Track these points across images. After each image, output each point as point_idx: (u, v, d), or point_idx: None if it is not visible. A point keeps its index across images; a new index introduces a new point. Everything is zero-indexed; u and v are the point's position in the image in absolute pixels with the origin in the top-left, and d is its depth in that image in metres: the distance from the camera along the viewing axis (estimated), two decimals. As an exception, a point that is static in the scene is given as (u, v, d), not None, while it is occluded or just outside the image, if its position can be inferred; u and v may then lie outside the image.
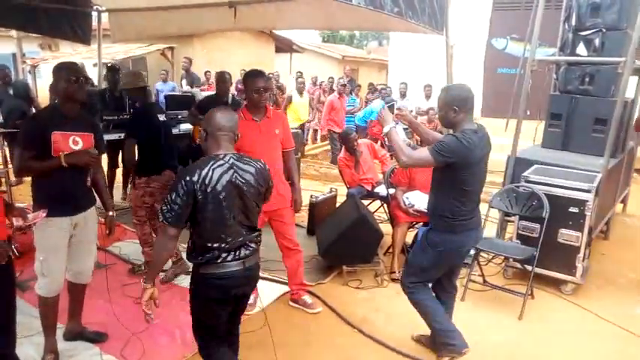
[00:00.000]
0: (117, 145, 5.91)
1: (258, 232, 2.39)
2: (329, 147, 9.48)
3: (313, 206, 5.14)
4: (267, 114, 3.40)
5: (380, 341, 3.24)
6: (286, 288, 3.90)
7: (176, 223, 2.15)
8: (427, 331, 3.13)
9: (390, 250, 4.47)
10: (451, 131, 2.73)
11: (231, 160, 2.21)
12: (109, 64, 6.01)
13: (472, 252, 4.55)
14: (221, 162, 2.18)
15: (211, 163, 2.16)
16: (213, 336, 2.42)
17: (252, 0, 4.98)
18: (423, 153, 2.64)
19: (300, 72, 12.41)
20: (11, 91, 6.90)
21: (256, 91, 3.26)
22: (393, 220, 4.44)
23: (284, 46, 17.70)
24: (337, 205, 5.44)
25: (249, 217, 2.28)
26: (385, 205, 4.97)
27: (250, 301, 3.60)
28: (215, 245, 2.19)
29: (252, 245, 2.33)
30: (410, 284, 2.98)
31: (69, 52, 13.25)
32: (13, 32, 12.17)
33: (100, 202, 3.05)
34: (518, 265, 4.14)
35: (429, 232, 2.88)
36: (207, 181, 2.11)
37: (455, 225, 2.74)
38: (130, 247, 4.67)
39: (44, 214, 2.53)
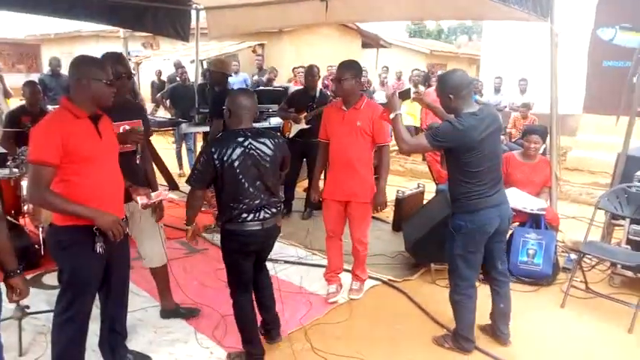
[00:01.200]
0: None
1: (278, 198, 2.78)
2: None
3: (399, 202, 5.04)
4: (357, 105, 3.38)
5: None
6: (373, 282, 3.87)
7: (198, 186, 2.63)
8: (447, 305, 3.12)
9: (482, 250, 4.26)
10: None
11: (249, 134, 2.59)
12: (208, 61, 6.31)
13: (573, 256, 4.25)
14: (240, 136, 2.57)
15: (231, 137, 2.58)
16: (239, 284, 2.83)
17: (344, -7, 4.98)
18: (420, 139, 2.79)
19: (385, 67, 12.26)
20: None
21: (336, 81, 3.39)
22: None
23: (371, 42, 17.54)
24: (424, 201, 5.31)
25: (266, 184, 2.66)
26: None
27: (332, 289, 3.64)
28: (235, 206, 2.59)
29: (272, 209, 2.71)
30: (456, 283, 2.93)
31: (168, 49, 14.11)
32: (121, 33, 13.19)
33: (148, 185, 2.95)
34: (628, 273, 3.77)
35: (452, 218, 2.89)
36: (224, 152, 2.51)
37: (470, 205, 2.77)
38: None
39: (167, 193, 2.69)
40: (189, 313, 3.32)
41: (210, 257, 4.32)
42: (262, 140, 2.61)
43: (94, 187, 2.22)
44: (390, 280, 3.92)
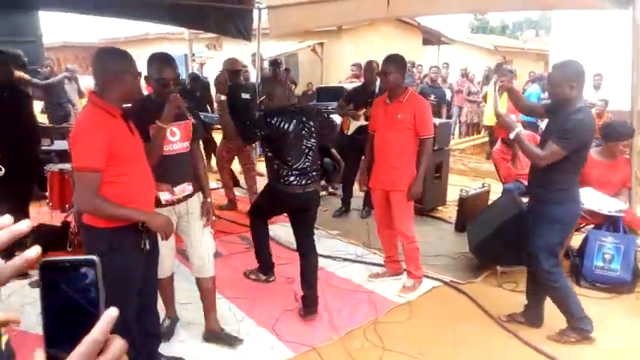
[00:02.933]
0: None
1: (320, 168, 3.28)
2: (482, 141, 8.95)
3: (463, 201, 4.87)
4: (400, 98, 3.45)
5: (539, 349, 2.92)
6: (434, 283, 3.75)
7: (247, 140, 3.80)
8: (514, 310, 3.23)
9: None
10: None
11: (297, 110, 3.17)
12: (271, 59, 6.42)
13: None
14: (289, 111, 3.09)
15: (282, 111, 3.08)
16: (261, 216, 3.61)
17: (407, -14, 4.88)
18: (552, 147, 2.68)
19: (446, 63, 11.96)
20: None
21: (382, 74, 3.57)
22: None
23: (432, 38, 17.18)
24: (489, 201, 5.10)
25: (309, 154, 3.12)
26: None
27: (408, 284, 3.61)
28: (282, 168, 3.07)
29: (314, 175, 3.16)
30: (552, 269, 2.89)
31: (231, 50, 14.47)
32: (185, 35, 13.70)
33: (200, 189, 2.83)
34: None
35: (549, 208, 2.83)
36: (277, 123, 2.99)
37: (575, 194, 2.85)
38: (281, 230, 4.90)
39: (191, 188, 2.68)
40: (232, 341, 2.93)
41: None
42: (307, 116, 3.14)
43: (135, 187, 2.17)
44: (452, 281, 3.79)
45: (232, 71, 5.20)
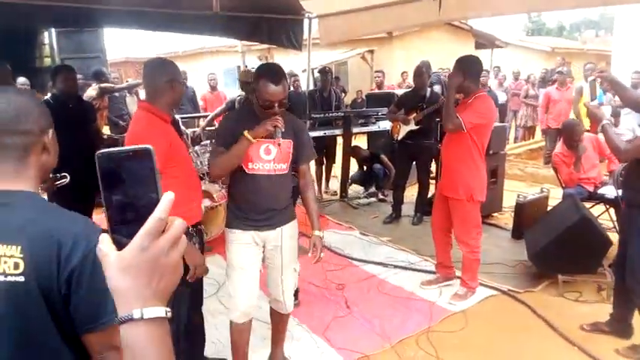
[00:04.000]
0: (321, 141, 6.34)
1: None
2: (539, 145, 8.58)
3: (520, 207, 4.67)
4: (465, 100, 3.37)
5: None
6: (491, 292, 3.62)
7: None
8: (578, 321, 3.08)
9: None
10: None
11: None
12: (319, 67, 6.47)
13: None
14: None
15: None
16: None
17: (459, -12, 4.77)
18: (637, 141, 2.56)
19: (497, 67, 11.63)
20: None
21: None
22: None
23: (485, 42, 16.72)
24: (548, 207, 4.87)
25: None
26: (612, 210, 4.24)
27: (460, 292, 3.54)
28: None
29: None
30: None
31: (282, 60, 14.73)
32: (239, 47, 14.08)
33: (309, 219, 2.52)
34: None
35: None
36: None
37: None
38: (332, 236, 4.90)
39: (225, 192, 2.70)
40: None
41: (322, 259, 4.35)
42: None
43: (187, 189, 2.19)
44: (510, 290, 3.63)
45: (244, 82, 4.97)
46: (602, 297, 3.48)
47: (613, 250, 3.74)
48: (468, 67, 3.29)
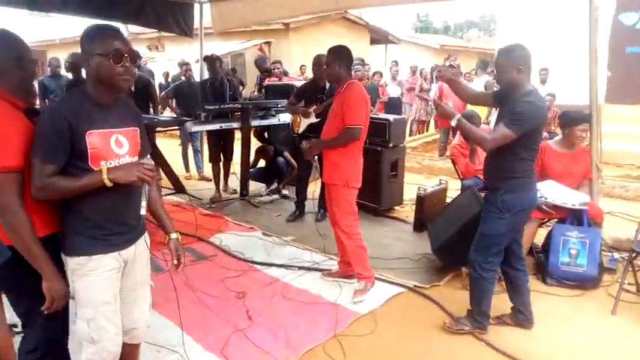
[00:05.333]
0: (217, 136, 5.90)
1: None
2: (433, 138, 8.89)
3: (421, 200, 4.66)
4: (339, 89, 3.38)
5: (511, 356, 2.73)
6: (398, 289, 3.50)
7: None
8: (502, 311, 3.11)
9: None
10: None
11: None
12: (208, 55, 5.98)
13: (617, 255, 3.86)
14: None
15: None
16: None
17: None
18: (501, 130, 2.59)
19: (395, 61, 11.92)
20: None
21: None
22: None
23: (379, 37, 17.22)
24: (447, 199, 4.94)
25: None
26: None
27: (359, 287, 3.41)
28: None
29: None
30: (487, 261, 2.84)
31: (174, 51, 13.85)
32: (125, 35, 12.95)
33: (158, 224, 2.16)
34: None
35: (500, 196, 2.72)
36: None
37: (528, 182, 2.74)
38: (231, 239, 4.54)
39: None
40: None
41: (218, 264, 3.98)
42: None
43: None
44: (416, 286, 3.55)
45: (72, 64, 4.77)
46: (503, 287, 3.52)
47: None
48: (340, 56, 3.33)
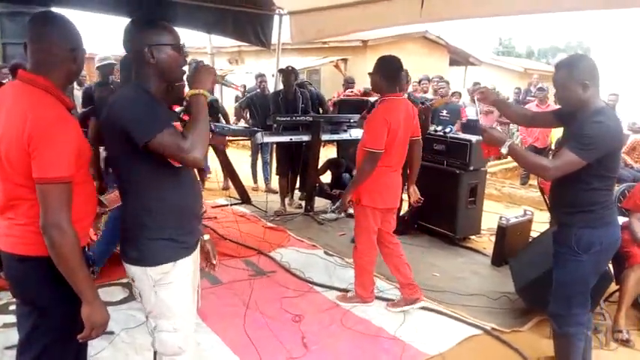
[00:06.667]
0: (287, 149, 5.77)
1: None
2: (514, 165, 8.25)
3: (503, 231, 4.20)
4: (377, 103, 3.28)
5: None
6: (472, 330, 3.09)
7: None
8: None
9: (614, 299, 3.34)
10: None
11: None
12: (283, 67, 5.88)
13: None
14: None
15: None
16: None
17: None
18: (566, 156, 2.16)
19: (477, 82, 11.36)
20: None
21: None
22: (622, 260, 3.28)
23: (459, 59, 16.65)
24: (532, 232, 4.44)
25: None
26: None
27: (350, 294, 3.32)
28: None
29: None
30: (571, 313, 2.37)
31: (252, 64, 14.14)
32: (208, 49, 13.42)
33: None
34: None
35: (575, 234, 2.27)
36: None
37: (606, 216, 2.28)
38: (292, 255, 4.32)
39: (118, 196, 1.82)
40: None
41: (276, 281, 3.76)
42: None
43: (90, 198, 1.74)
44: (493, 329, 3.12)
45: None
46: (598, 341, 3.01)
47: (614, 287, 3.31)
48: (383, 66, 3.16)
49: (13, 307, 3.04)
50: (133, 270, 1.67)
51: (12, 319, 2.92)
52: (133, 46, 1.65)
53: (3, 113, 1.50)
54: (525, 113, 2.93)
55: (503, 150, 2.30)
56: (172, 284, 1.68)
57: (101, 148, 3.40)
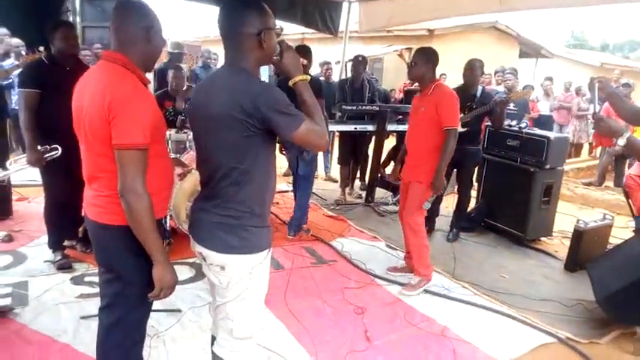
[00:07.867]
0: (351, 138, 5.69)
1: None
2: (588, 165, 7.78)
3: (580, 234, 3.94)
4: (426, 91, 3.35)
5: None
6: (545, 338, 2.93)
7: None
8: None
9: None
10: None
11: None
12: (356, 55, 5.78)
13: None
14: None
15: None
16: None
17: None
18: None
19: (550, 77, 10.78)
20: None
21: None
22: None
23: (530, 51, 15.87)
24: (611, 238, 4.14)
25: None
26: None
27: (413, 281, 3.36)
28: None
29: None
30: None
31: (315, 51, 14.12)
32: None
33: None
34: None
35: None
36: None
37: None
38: (353, 245, 4.27)
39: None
40: None
41: (337, 271, 3.72)
42: None
43: (167, 173, 1.80)
44: (569, 338, 2.93)
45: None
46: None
47: None
48: (431, 57, 3.30)
49: (88, 279, 3.20)
50: (227, 259, 1.63)
51: (87, 289, 3.08)
52: (245, 29, 1.59)
53: (90, 89, 1.60)
54: (636, 111, 2.74)
55: (620, 142, 2.22)
56: (264, 269, 1.73)
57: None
